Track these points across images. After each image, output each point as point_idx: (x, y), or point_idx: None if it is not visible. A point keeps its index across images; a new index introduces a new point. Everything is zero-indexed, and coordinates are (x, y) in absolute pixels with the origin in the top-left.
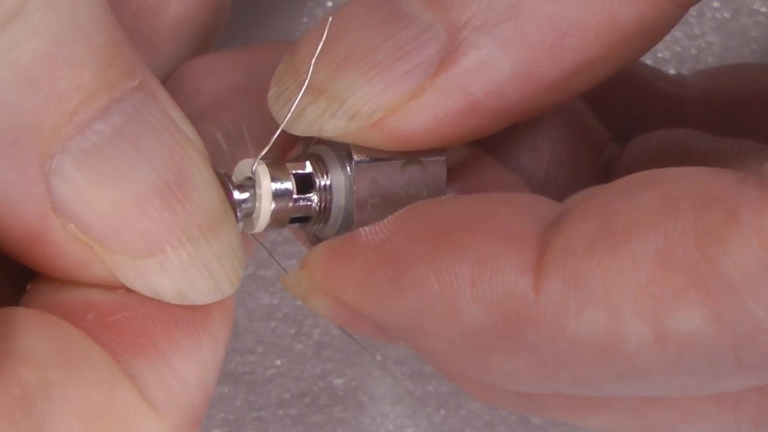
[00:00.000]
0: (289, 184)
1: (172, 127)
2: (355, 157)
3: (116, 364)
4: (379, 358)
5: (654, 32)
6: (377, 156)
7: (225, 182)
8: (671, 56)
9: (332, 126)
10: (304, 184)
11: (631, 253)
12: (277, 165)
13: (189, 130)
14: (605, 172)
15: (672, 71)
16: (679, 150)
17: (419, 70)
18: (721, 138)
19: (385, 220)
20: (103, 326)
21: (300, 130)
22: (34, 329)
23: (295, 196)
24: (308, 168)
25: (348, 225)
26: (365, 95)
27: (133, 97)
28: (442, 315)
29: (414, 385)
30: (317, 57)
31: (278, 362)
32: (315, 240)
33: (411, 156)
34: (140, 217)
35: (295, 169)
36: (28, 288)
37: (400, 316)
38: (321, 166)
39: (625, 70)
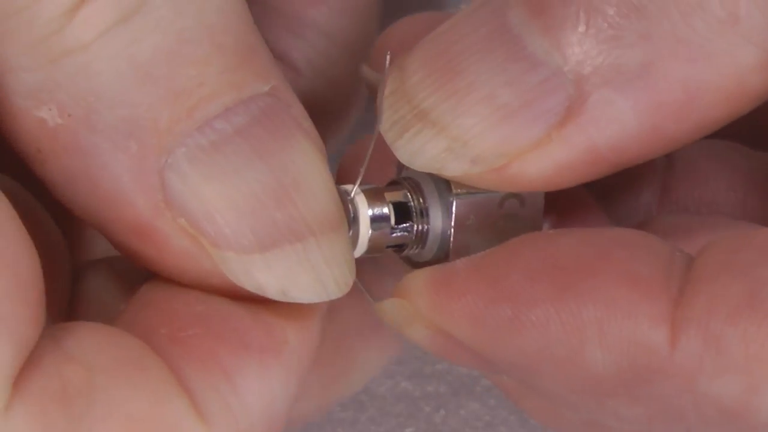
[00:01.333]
0: (386, 212)
1: (299, 134)
2: (455, 190)
3: (172, 374)
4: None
5: None
6: (475, 190)
7: (343, 196)
8: None
9: (454, 167)
10: (402, 212)
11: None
12: (374, 192)
13: (317, 139)
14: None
15: None
16: None
17: (547, 118)
18: None
19: (490, 251)
20: (172, 341)
21: (419, 165)
22: (90, 335)
23: (393, 225)
24: (406, 196)
25: (444, 250)
26: (491, 139)
27: (262, 101)
28: (565, 358)
29: (414, 385)
30: (437, 87)
31: None
32: (409, 262)
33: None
34: (251, 215)
35: (393, 197)
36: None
37: (517, 356)
38: (418, 193)
39: None
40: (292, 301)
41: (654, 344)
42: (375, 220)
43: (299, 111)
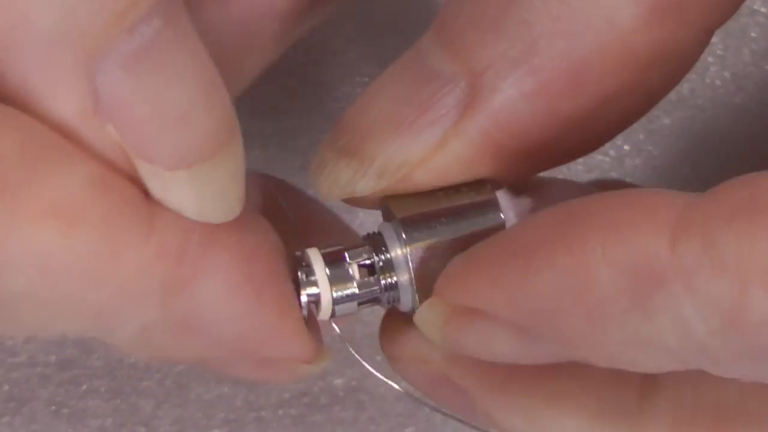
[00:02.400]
0: (348, 272)
1: (197, 39)
2: (397, 215)
3: None
4: (378, 358)
5: (676, 60)
6: (423, 209)
7: (296, 268)
8: None
9: (363, 186)
10: (367, 271)
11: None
12: (335, 253)
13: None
14: None
15: None
16: None
17: (441, 121)
18: None
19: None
20: None
21: (335, 195)
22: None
23: (357, 282)
24: (368, 253)
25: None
26: (392, 152)
27: (171, 4)
28: (577, 287)
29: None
30: (352, 124)
31: None
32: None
33: (455, 194)
34: (177, 128)
35: (356, 256)
36: None
37: (536, 303)
38: (381, 247)
39: None
40: (206, 221)
41: (655, 251)
42: (335, 280)
43: (190, 22)
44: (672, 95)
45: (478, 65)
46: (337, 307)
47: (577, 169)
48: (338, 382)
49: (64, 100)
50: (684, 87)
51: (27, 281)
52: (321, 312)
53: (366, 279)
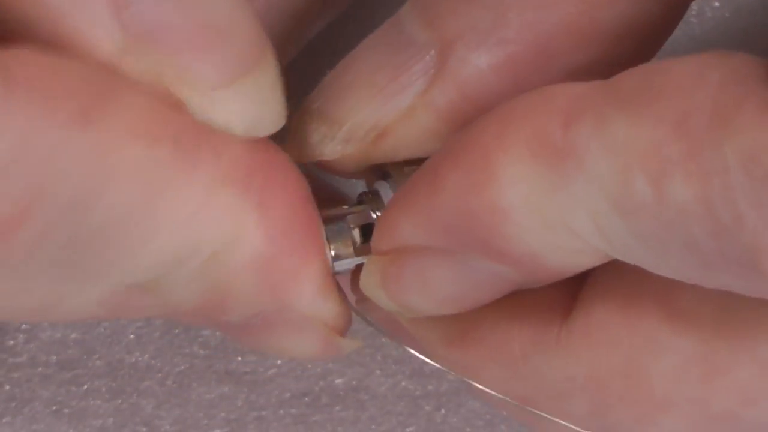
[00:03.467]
0: (349, 233)
1: None
2: (393, 173)
3: None
4: (379, 358)
5: (645, 33)
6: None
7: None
8: (672, 56)
9: (330, 150)
10: (368, 231)
11: (654, 111)
12: (337, 216)
13: None
14: None
15: None
16: None
17: (410, 89)
18: None
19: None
20: None
21: (304, 157)
22: None
23: (357, 245)
24: (368, 215)
25: None
26: (358, 117)
27: None
28: (480, 182)
29: (414, 385)
30: (328, 87)
31: (279, 362)
32: None
33: None
34: (216, 43)
35: (356, 219)
36: None
37: (448, 214)
38: (378, 203)
39: None
40: (256, 135)
41: (550, 131)
42: (334, 238)
43: None
44: None
45: (448, 34)
46: (336, 263)
47: None
48: (339, 381)
49: (102, 37)
50: None
51: (126, 195)
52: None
53: (365, 243)
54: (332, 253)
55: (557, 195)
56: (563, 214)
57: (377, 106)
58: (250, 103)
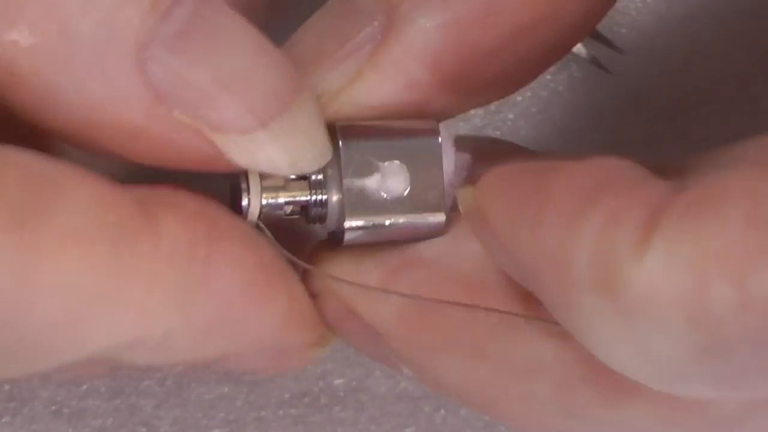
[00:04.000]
0: (281, 184)
1: (235, 12)
2: (339, 133)
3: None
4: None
5: None
6: (364, 130)
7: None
8: (672, 56)
9: None
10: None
11: (721, 215)
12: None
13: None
14: None
15: (673, 71)
16: None
17: (358, 54)
18: None
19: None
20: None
21: None
22: None
23: (287, 189)
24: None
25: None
26: (311, 84)
27: None
28: (562, 256)
29: (414, 386)
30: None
31: None
32: (332, 237)
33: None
34: (243, 92)
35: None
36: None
37: (528, 251)
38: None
39: None
40: (300, 172)
41: (626, 251)
42: (267, 190)
43: None
44: (673, 95)
45: (396, 1)
46: (264, 206)
47: None
48: (338, 382)
49: (127, 100)
50: (685, 87)
51: (58, 309)
52: (250, 213)
53: (296, 190)
54: (263, 198)
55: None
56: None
57: (326, 73)
58: (290, 140)
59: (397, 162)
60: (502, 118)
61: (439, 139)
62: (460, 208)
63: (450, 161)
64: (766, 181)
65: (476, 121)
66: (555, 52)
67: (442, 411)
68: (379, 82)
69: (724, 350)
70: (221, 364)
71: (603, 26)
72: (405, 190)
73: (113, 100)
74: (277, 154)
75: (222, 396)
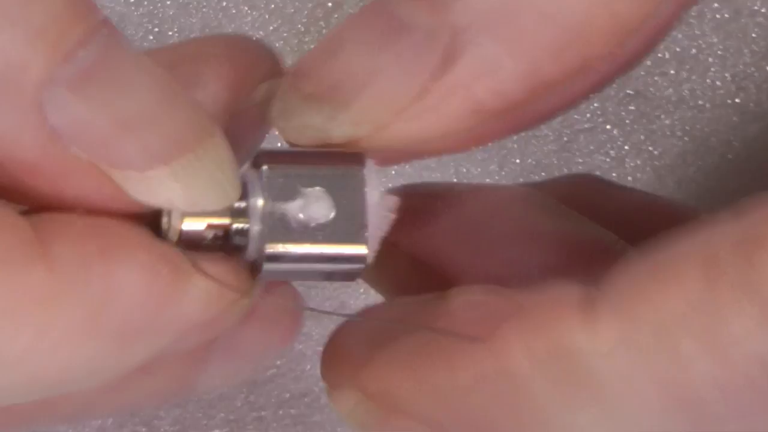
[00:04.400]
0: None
1: (142, 55)
2: (264, 163)
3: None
4: None
5: (654, 28)
6: (291, 161)
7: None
8: (671, 56)
9: (338, 133)
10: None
11: (679, 277)
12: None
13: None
14: None
15: (672, 71)
16: None
17: (421, 73)
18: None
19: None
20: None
21: (306, 139)
22: None
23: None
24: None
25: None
26: (367, 99)
27: (105, 29)
28: (499, 384)
29: None
30: (319, 71)
31: (278, 362)
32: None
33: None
34: (143, 131)
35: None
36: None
37: (461, 405)
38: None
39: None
40: (201, 210)
41: (575, 338)
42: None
43: (126, 39)
44: (672, 96)
45: (460, 20)
46: (184, 227)
47: (578, 170)
48: None
49: (21, 136)
50: (684, 87)
51: None
52: (169, 236)
53: (220, 217)
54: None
55: (587, 405)
56: (597, 421)
57: (386, 89)
58: (192, 181)
59: (319, 188)
60: None
61: (365, 169)
62: (348, 419)
63: (374, 193)
64: (718, 232)
65: None
66: (608, 82)
67: None
68: (442, 104)
69: (702, 407)
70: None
71: None
72: (327, 218)
73: (6, 134)
74: (175, 193)
75: (222, 396)
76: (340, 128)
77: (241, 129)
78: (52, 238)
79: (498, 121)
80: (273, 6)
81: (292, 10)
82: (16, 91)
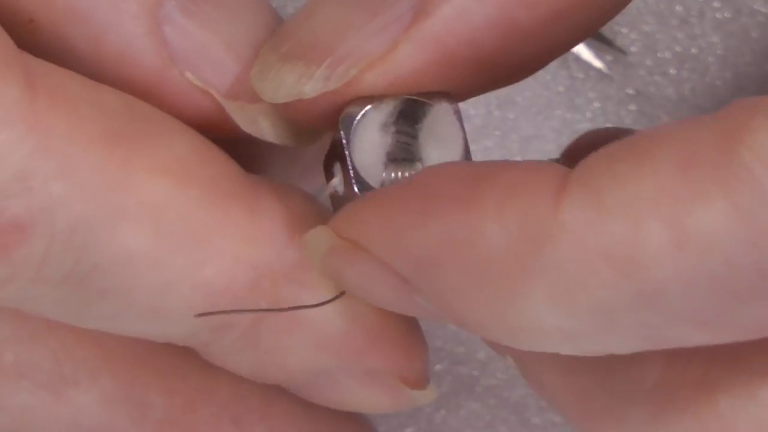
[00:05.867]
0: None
1: None
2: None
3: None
4: None
5: None
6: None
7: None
8: (671, 56)
9: (310, 88)
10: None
11: (652, 161)
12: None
13: None
14: None
15: (672, 71)
16: None
17: (393, 26)
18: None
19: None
20: None
21: (281, 97)
22: None
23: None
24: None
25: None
26: (341, 54)
27: None
28: (465, 241)
29: None
30: (297, 31)
31: None
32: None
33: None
34: (252, 61)
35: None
36: None
37: (422, 251)
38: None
39: None
40: (291, 145)
41: (541, 211)
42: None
43: None
44: (673, 95)
45: None
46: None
47: None
48: None
49: (140, 58)
50: (685, 87)
51: (142, 236)
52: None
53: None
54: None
55: (543, 278)
56: (547, 299)
57: (358, 43)
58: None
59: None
60: (502, 117)
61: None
62: (309, 255)
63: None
64: (698, 127)
65: (476, 121)
66: (585, 33)
67: (443, 411)
68: (415, 55)
69: (656, 294)
70: (308, 387)
71: (604, 27)
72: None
73: (126, 56)
74: (272, 125)
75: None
76: (312, 84)
77: None
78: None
79: (472, 72)
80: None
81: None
82: (137, 8)
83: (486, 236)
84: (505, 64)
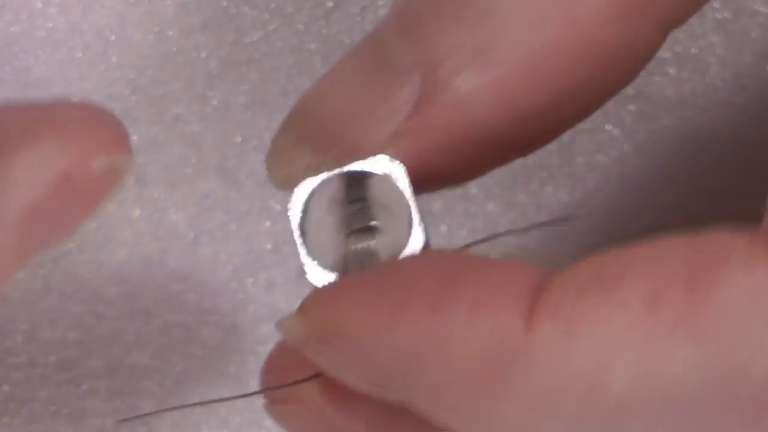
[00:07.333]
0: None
1: None
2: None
3: None
4: None
5: (634, 57)
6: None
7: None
8: (671, 56)
9: (324, 169)
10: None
11: (621, 295)
12: None
13: None
14: None
15: (672, 71)
16: None
17: (398, 112)
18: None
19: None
20: None
21: (292, 183)
22: None
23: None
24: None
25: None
26: (347, 144)
27: None
28: (435, 349)
29: None
30: (307, 113)
31: None
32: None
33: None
34: None
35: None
36: None
37: (391, 356)
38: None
39: None
40: None
41: (512, 331)
42: None
43: None
44: (673, 96)
45: (435, 55)
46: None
47: (578, 170)
48: None
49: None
50: (685, 87)
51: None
52: None
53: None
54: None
55: (512, 394)
56: (515, 413)
57: (366, 130)
58: None
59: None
60: None
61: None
62: (288, 339)
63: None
64: (669, 261)
65: None
66: (589, 111)
67: None
68: (416, 143)
69: (622, 424)
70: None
71: None
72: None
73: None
74: None
75: (222, 396)
76: (326, 166)
77: (73, 196)
78: None
79: (477, 154)
80: (273, 6)
81: (292, 10)
82: None
83: (455, 349)
84: (507, 147)
